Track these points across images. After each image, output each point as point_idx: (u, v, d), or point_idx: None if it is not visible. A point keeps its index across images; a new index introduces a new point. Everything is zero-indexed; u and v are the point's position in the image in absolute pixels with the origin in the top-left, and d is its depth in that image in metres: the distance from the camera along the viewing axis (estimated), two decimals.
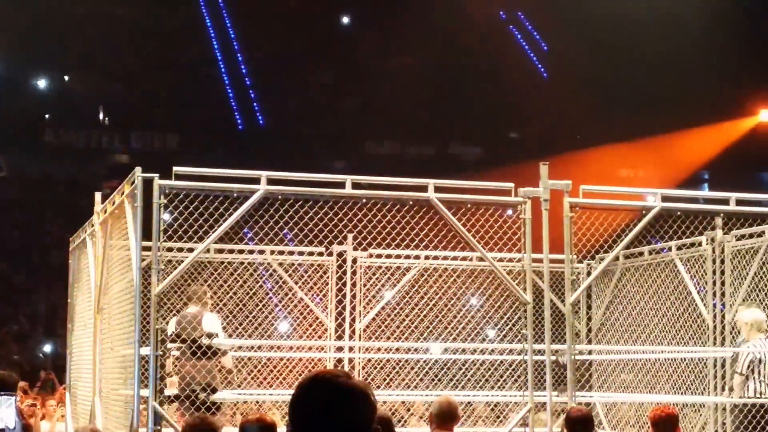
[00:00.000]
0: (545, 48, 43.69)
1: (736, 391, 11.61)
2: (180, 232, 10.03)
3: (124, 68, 38.24)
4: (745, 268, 12.65)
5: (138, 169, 9.68)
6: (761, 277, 12.49)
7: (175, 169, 9.73)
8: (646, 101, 37.47)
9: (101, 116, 39.59)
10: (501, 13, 44.03)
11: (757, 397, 11.30)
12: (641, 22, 38.35)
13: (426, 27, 38.60)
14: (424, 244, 11.60)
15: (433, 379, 13.52)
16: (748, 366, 11.50)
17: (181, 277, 11.33)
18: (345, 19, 43.92)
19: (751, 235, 12.65)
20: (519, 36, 44.39)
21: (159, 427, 9.36)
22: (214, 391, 9.97)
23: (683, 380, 13.00)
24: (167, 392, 9.94)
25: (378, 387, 13.03)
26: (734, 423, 11.61)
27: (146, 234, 9.71)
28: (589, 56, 39.04)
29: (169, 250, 11.14)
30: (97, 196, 12.49)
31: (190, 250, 10.55)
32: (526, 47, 44.05)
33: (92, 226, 12.31)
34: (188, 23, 40.54)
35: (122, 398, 10.12)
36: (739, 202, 11.11)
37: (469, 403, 13.39)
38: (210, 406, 9.98)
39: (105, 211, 11.41)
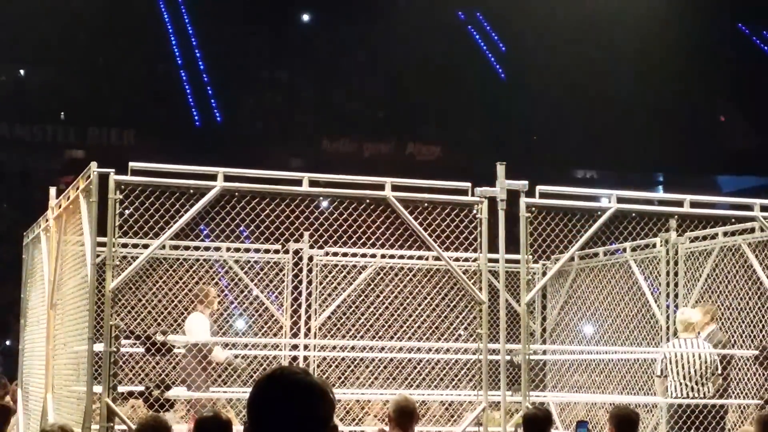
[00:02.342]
0: (503, 49, 43.82)
1: (659, 392, 11.72)
2: (135, 228, 9.97)
3: (80, 63, 37.98)
4: (698, 270, 12.76)
5: (93, 164, 9.62)
6: (714, 279, 12.60)
7: (131, 164, 9.68)
8: (604, 102, 37.70)
9: (57, 111, 39.28)
10: (459, 13, 44.12)
11: (694, 397, 11.41)
12: (598, 23, 38.60)
13: (384, 26, 38.63)
14: (380, 242, 11.60)
15: (387, 378, 13.52)
16: (661, 369, 11.64)
17: (136, 274, 11.27)
18: (305, 17, 43.85)
19: (704, 237, 12.76)
20: (477, 36, 44.51)
21: (112, 424, 9.30)
22: (168, 388, 9.91)
23: (636, 380, 13.10)
24: (120, 389, 9.88)
25: (333, 385, 13.00)
26: (668, 423, 11.71)
27: (101, 230, 9.65)
28: (546, 57, 39.21)
29: (125, 246, 11.07)
30: (52, 191, 12.38)
31: (146, 246, 10.48)
32: (485, 48, 44.16)
33: (47, 221, 12.21)
34: (146, 19, 40.32)
35: (75, 395, 10.05)
36: (693, 205, 11.20)
37: (423, 402, 13.41)
38: (164, 403, 9.92)
39: (60, 206, 11.33)
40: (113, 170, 9.57)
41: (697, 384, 11.55)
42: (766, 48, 44.15)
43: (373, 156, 37.97)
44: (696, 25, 39.04)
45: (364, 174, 10.70)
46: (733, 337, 12.21)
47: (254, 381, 3.48)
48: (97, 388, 9.38)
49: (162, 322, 12.83)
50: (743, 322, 12.32)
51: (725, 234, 12.46)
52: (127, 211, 9.75)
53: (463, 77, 39.60)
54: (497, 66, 43.55)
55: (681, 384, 11.51)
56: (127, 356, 11.85)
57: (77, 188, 10.18)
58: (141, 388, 10.18)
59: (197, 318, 12.20)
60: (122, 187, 9.58)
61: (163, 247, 12.18)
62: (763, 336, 12.11)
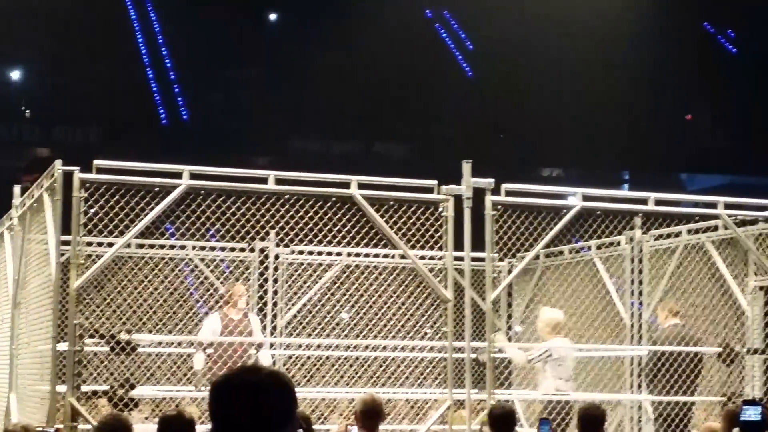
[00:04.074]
0: (470, 47, 43.91)
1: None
2: (100, 227, 9.93)
3: (46, 60, 37.75)
4: (662, 268, 12.84)
5: (58, 162, 9.59)
6: (678, 277, 12.68)
7: (95, 162, 9.65)
8: (571, 100, 37.84)
9: (22, 108, 39.03)
10: (427, 11, 44.17)
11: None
12: (565, 22, 38.74)
13: (352, 24, 38.61)
14: (346, 240, 11.61)
15: (353, 376, 13.52)
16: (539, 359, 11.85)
17: (100, 272, 11.22)
18: (272, 16, 43.77)
19: (668, 235, 12.84)
20: (444, 35, 44.57)
21: (76, 424, 9.27)
22: (132, 387, 9.87)
23: (600, 378, 13.16)
24: (85, 388, 9.84)
25: (299, 384, 13.01)
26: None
27: (66, 228, 9.62)
28: (513, 56, 39.31)
29: (89, 244, 11.03)
30: (16, 189, 12.32)
31: (111, 244, 10.44)
32: (452, 46, 44.23)
33: (11, 219, 12.15)
34: (112, 16, 40.12)
35: (39, 394, 10.01)
36: (657, 203, 11.27)
37: (389, 400, 13.42)
38: (128, 402, 9.89)
39: (24, 205, 11.27)
40: (78, 168, 9.53)
41: (566, 382, 11.75)
42: (731, 47, 44.46)
43: (341, 154, 37.96)
44: (662, 24, 39.25)
45: (332, 172, 10.70)
46: (696, 334, 12.29)
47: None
48: (61, 388, 9.34)
49: (127, 321, 12.78)
50: (706, 319, 12.41)
51: (689, 232, 12.54)
52: (92, 210, 9.71)
53: (431, 75, 39.64)
54: (464, 64, 43.63)
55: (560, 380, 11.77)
56: (91, 355, 11.79)
57: (41, 186, 10.14)
58: (105, 387, 10.14)
59: (209, 319, 12.19)
60: (87, 185, 9.55)
61: (128, 245, 12.13)
62: (726, 333, 12.21)
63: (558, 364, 11.99)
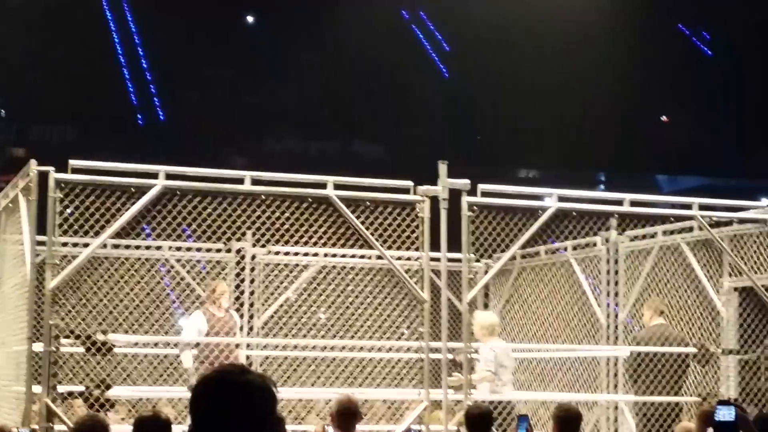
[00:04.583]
0: (447, 48, 43.96)
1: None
2: (76, 227, 9.90)
3: (22, 60, 37.55)
4: (638, 269, 12.89)
5: (33, 162, 9.56)
6: (653, 278, 12.74)
7: (71, 162, 9.63)
8: (547, 101, 37.92)
9: None
10: (403, 12, 44.20)
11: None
12: (542, 23, 38.83)
13: (328, 24, 38.60)
14: (323, 241, 11.61)
15: (330, 377, 13.52)
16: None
17: (76, 273, 11.18)
18: (249, 16, 43.70)
19: (644, 236, 12.90)
20: (421, 36, 44.61)
21: (51, 424, 9.24)
22: (108, 387, 9.85)
23: (576, 378, 13.21)
24: (60, 389, 9.81)
25: (275, 384, 12.98)
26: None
27: (41, 228, 9.59)
28: (490, 57, 39.37)
29: (65, 245, 10.99)
30: None
31: (86, 245, 10.41)
32: (428, 47, 44.28)
33: None
34: (88, 15, 39.96)
35: (14, 395, 9.96)
36: (633, 204, 11.32)
37: (366, 400, 13.42)
38: (104, 402, 9.87)
39: None
40: (53, 168, 9.51)
41: (505, 385, 11.87)
42: (706, 49, 44.66)
43: (318, 155, 37.93)
44: (637, 25, 39.38)
45: (309, 173, 10.71)
46: (681, 334, 12.31)
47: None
48: (37, 389, 9.31)
49: (102, 322, 12.73)
50: (681, 320, 12.46)
51: (665, 233, 12.59)
52: (67, 210, 9.69)
53: (407, 76, 39.65)
54: (441, 65, 43.67)
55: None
56: (67, 356, 11.74)
57: (17, 186, 10.10)
58: (81, 388, 10.11)
59: (192, 317, 12.16)
60: (62, 185, 9.53)
61: (104, 245, 12.10)
62: (701, 334, 12.26)
63: (499, 365, 12.05)
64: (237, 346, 12.15)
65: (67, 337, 9.84)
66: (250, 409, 3.39)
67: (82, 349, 10.09)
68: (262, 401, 3.43)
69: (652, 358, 11.74)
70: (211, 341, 11.73)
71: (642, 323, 12.41)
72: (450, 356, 11.41)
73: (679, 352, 11.84)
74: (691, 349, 11.90)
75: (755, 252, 11.73)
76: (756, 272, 11.64)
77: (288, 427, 12.64)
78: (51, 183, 9.46)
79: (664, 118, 43.49)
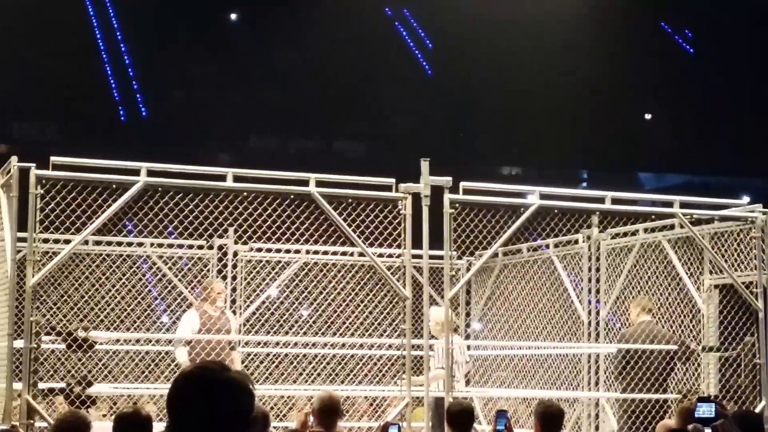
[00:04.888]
0: (430, 46, 43.98)
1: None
2: (57, 223, 9.89)
3: (2, 55, 37.40)
4: (619, 266, 12.93)
5: (14, 159, 9.54)
6: (635, 275, 12.78)
7: (52, 159, 9.61)
8: (531, 99, 37.97)
9: None
10: (387, 9, 44.19)
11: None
12: (524, 21, 38.88)
13: (312, 22, 38.56)
14: (305, 238, 11.62)
15: (312, 373, 13.53)
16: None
17: (57, 269, 11.16)
18: (232, 13, 43.63)
19: (625, 234, 12.93)
20: (404, 33, 44.61)
21: (32, 421, 9.22)
22: (89, 384, 9.83)
23: (558, 375, 13.24)
24: (41, 386, 9.79)
25: (257, 381, 13.00)
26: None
27: (23, 225, 9.57)
28: (473, 55, 39.40)
29: (46, 241, 10.98)
30: None
31: (68, 241, 10.40)
32: (411, 44, 44.28)
33: None
34: (70, 11, 39.82)
35: None
36: (614, 201, 11.34)
37: (347, 397, 13.44)
38: (85, 399, 9.84)
39: None
40: (34, 165, 9.50)
41: (458, 381, 11.95)
42: (688, 47, 44.77)
43: (300, 152, 37.89)
44: (620, 23, 39.44)
45: (291, 170, 10.71)
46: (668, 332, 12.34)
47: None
48: (18, 385, 9.29)
49: (84, 318, 12.71)
50: (662, 317, 12.50)
51: (646, 230, 12.63)
52: (48, 206, 9.67)
53: (390, 74, 39.65)
54: (424, 63, 43.68)
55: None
56: (48, 353, 11.72)
57: None
58: (62, 384, 10.09)
59: (186, 316, 12.11)
60: (43, 181, 9.52)
61: (86, 242, 12.09)
62: (682, 331, 12.31)
63: (453, 362, 12.08)
64: (232, 348, 12.11)
65: (48, 333, 9.82)
66: (228, 406, 3.39)
67: (63, 346, 10.07)
68: (241, 399, 3.42)
69: (641, 355, 11.77)
70: (202, 338, 11.67)
71: (629, 320, 12.42)
72: (431, 353, 11.44)
73: (663, 349, 11.87)
74: (672, 347, 11.94)
75: (736, 249, 11.78)
76: (736, 270, 11.69)
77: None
78: (32, 179, 9.45)
79: (647, 116, 43.58)
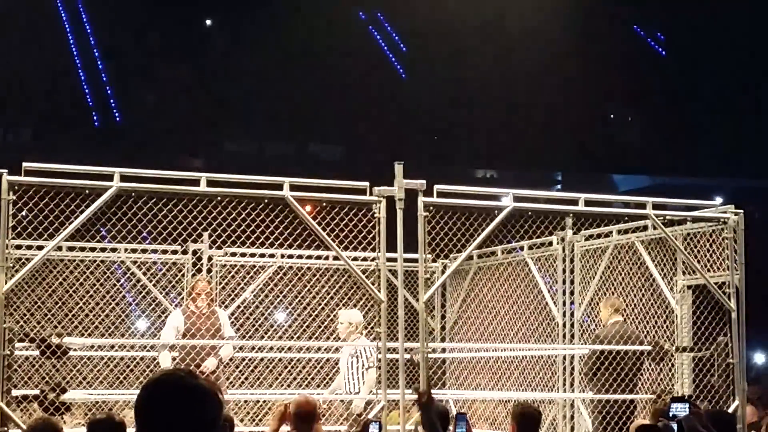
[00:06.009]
0: (404, 49, 44.01)
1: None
2: (30, 229, 9.85)
3: None
4: (593, 267, 12.98)
5: None
6: (608, 276, 12.83)
7: (24, 164, 9.57)
8: (504, 102, 38.05)
9: None
10: (360, 13, 44.21)
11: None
12: (498, 24, 38.98)
13: (285, 25, 38.54)
14: (280, 242, 11.61)
15: (287, 377, 13.51)
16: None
17: (30, 276, 11.11)
18: (206, 17, 43.54)
19: (599, 235, 12.99)
20: (378, 36, 44.64)
21: (6, 428, 9.17)
22: (63, 391, 9.79)
23: (533, 377, 13.27)
24: (15, 392, 9.74)
25: (233, 386, 12.98)
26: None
27: None
28: (447, 57, 39.46)
29: (18, 247, 10.93)
30: None
31: (41, 247, 10.35)
32: (385, 48, 44.31)
33: None
34: (43, 15, 39.66)
35: None
36: (588, 203, 11.37)
37: (323, 401, 13.43)
38: (60, 406, 9.80)
39: None
40: (6, 171, 9.45)
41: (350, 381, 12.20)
42: (660, 49, 44.98)
43: (275, 156, 37.84)
44: (593, 26, 39.59)
45: (266, 174, 10.70)
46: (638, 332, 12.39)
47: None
48: None
49: (57, 325, 12.65)
50: (636, 318, 12.56)
51: (619, 232, 12.69)
52: (21, 212, 9.63)
53: (364, 77, 39.65)
54: (398, 66, 43.72)
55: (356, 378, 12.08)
56: (21, 359, 11.66)
57: None
58: (36, 391, 10.04)
59: (171, 316, 12.06)
60: (16, 187, 9.47)
61: (59, 248, 12.04)
62: (656, 332, 12.37)
63: (361, 364, 12.15)
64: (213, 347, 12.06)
65: (22, 340, 9.77)
66: (196, 414, 3.39)
67: (36, 353, 10.02)
68: (209, 406, 3.42)
69: (615, 356, 11.81)
70: (177, 343, 11.63)
71: (601, 321, 12.47)
72: (407, 356, 11.44)
73: (634, 349, 11.93)
74: (646, 347, 11.99)
75: (708, 250, 11.83)
76: (709, 270, 11.74)
77: (245, 428, 12.64)
78: (4, 185, 9.41)
79: (621, 118, 43.74)
